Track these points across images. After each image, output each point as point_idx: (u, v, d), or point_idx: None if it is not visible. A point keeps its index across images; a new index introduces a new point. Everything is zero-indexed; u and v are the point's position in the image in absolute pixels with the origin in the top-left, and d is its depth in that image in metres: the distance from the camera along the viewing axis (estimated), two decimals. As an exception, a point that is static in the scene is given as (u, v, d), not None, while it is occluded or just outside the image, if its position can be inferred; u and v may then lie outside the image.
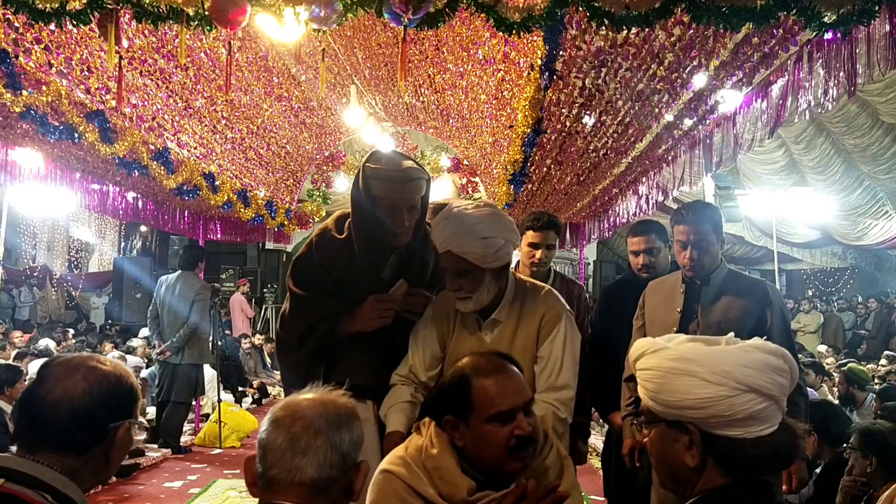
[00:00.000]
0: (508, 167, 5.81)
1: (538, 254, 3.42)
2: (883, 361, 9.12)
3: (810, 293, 16.19)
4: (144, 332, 9.36)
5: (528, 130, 4.57)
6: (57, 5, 2.53)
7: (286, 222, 10.79)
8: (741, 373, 1.30)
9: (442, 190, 12.30)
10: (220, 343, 8.27)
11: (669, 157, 5.21)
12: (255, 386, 9.98)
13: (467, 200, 2.42)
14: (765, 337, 1.43)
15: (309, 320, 2.55)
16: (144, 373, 7.99)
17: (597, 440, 5.99)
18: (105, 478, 1.52)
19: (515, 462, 1.76)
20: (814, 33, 2.73)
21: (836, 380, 6.59)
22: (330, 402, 1.40)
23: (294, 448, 1.31)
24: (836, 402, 5.75)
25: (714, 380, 1.31)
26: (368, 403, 2.46)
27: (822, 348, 11.21)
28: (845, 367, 6.66)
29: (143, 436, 6.89)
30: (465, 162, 11.71)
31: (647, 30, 3.08)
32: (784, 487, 2.75)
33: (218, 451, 7.06)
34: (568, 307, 2.45)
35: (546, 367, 2.32)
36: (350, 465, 1.36)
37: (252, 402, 9.51)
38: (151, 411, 7.39)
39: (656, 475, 1.47)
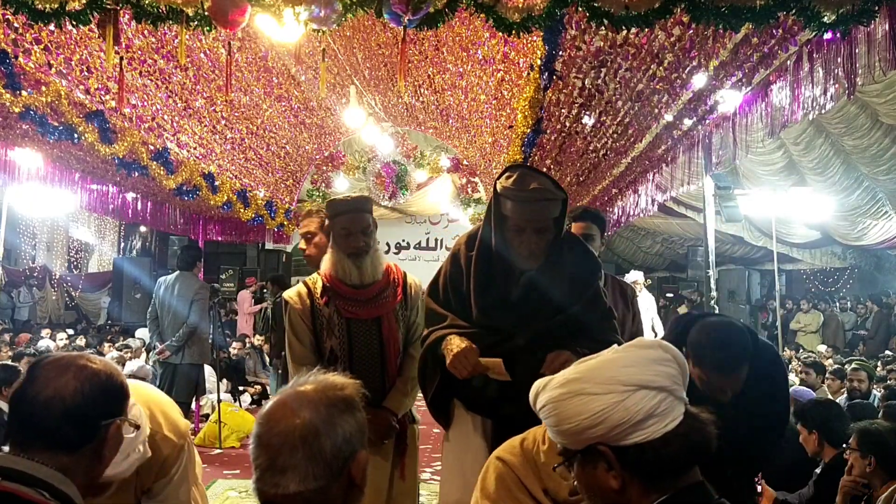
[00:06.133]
0: (508, 167, 5.81)
1: None
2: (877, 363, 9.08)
3: (810, 293, 16.16)
4: (140, 332, 9.33)
5: (528, 130, 4.57)
6: (57, 6, 2.53)
7: (286, 222, 10.79)
8: (624, 374, 1.29)
9: (442, 190, 12.27)
10: (223, 351, 8.26)
11: (669, 158, 5.22)
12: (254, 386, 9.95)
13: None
14: None
15: (428, 329, 2.50)
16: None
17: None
18: (97, 476, 1.52)
19: None
20: (813, 33, 2.73)
21: (848, 377, 6.37)
22: (310, 404, 1.32)
23: (273, 468, 1.28)
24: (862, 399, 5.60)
25: (601, 390, 1.29)
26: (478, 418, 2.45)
27: (822, 348, 11.20)
28: (853, 364, 6.54)
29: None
30: (465, 162, 11.69)
31: (646, 30, 3.09)
32: None
33: (218, 451, 7.04)
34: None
35: None
36: (342, 465, 1.30)
37: (252, 402, 9.49)
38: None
39: None
